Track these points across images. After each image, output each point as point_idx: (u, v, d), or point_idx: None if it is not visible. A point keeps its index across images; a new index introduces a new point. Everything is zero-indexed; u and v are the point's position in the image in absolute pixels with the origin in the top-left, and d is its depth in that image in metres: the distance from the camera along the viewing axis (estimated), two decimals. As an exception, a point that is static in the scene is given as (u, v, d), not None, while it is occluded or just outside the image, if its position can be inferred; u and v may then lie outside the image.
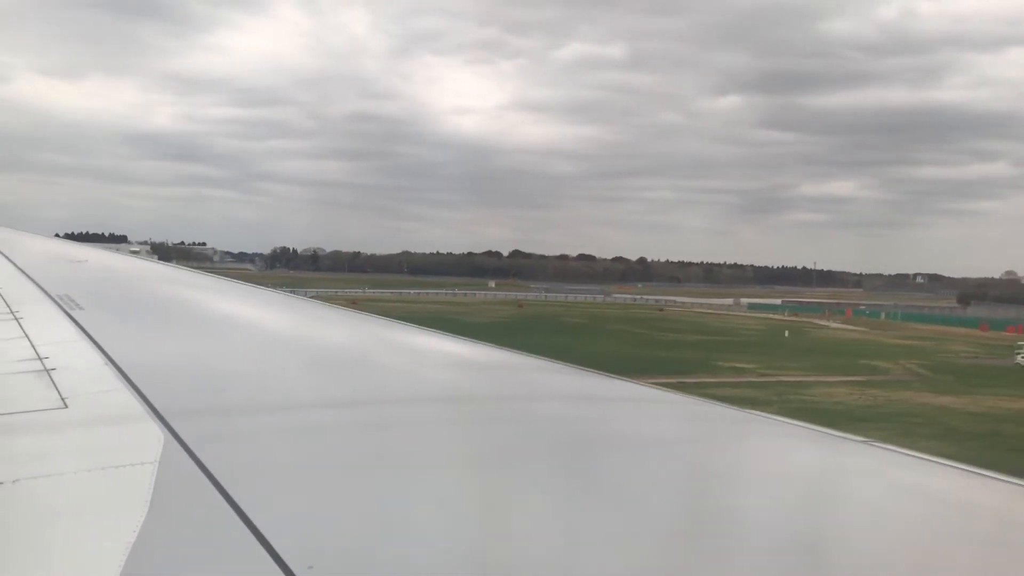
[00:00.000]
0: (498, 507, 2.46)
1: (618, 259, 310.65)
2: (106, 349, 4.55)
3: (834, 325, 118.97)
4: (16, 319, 5.86)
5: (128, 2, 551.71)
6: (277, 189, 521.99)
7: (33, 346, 4.83)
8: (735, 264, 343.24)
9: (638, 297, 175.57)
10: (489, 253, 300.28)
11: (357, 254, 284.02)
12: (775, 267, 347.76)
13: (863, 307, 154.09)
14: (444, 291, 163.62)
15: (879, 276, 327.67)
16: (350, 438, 3.20)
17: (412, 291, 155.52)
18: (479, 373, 5.23)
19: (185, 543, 2.08)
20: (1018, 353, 77.74)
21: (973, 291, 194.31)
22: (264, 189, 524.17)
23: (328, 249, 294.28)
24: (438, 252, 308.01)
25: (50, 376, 4.02)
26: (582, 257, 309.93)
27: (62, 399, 3.58)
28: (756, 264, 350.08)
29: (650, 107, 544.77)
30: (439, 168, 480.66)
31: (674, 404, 4.54)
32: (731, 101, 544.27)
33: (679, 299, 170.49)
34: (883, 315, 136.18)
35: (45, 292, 7.33)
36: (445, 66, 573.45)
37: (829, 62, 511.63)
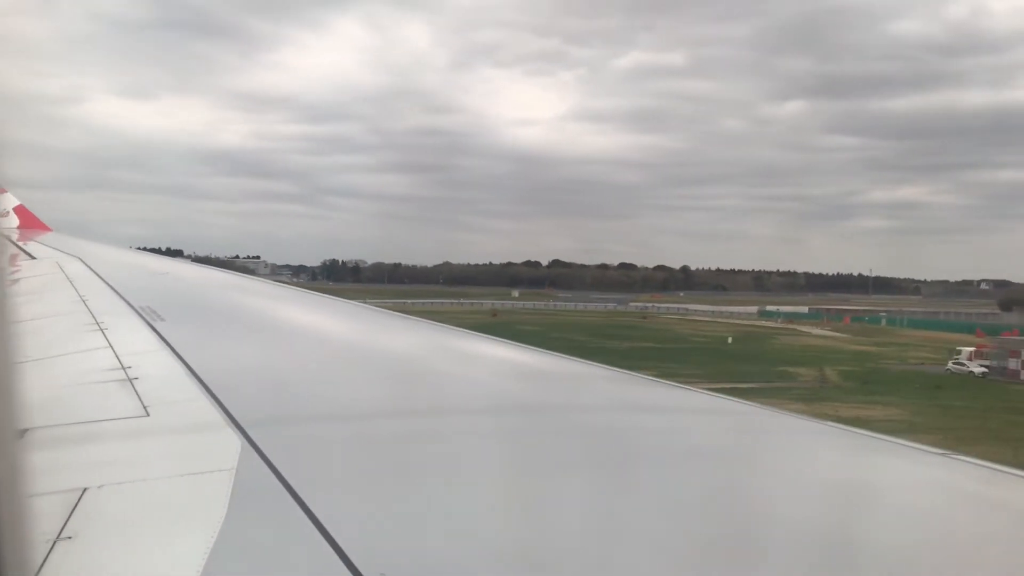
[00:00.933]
0: (567, 517, 2.50)
1: (660, 268, 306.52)
2: (186, 359, 4.75)
3: (816, 332, 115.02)
4: (101, 330, 6.15)
5: (195, 23, 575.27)
6: (342, 203, 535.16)
7: (117, 356, 5.04)
8: (788, 271, 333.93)
9: (650, 305, 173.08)
10: (528, 263, 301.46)
11: (398, 265, 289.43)
12: (831, 274, 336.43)
13: (881, 313, 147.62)
14: (451, 300, 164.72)
15: (940, 283, 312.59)
16: (422, 447, 3.27)
17: (410, 300, 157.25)
18: (548, 383, 5.32)
19: (261, 549, 2.16)
20: (953, 360, 73.97)
21: (1015, 296, 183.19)
22: (329, 203, 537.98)
23: (371, 261, 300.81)
24: (490, 263, 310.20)
25: (133, 385, 4.20)
26: (623, 266, 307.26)
27: (144, 407, 3.74)
28: (812, 271, 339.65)
29: (713, 114, 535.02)
30: (501, 180, 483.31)
31: (749, 415, 4.52)
32: (795, 106, 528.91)
33: (697, 307, 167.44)
34: (883, 321, 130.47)
35: (128, 304, 7.66)
36: (505, 78, 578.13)
37: (897, 64, 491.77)
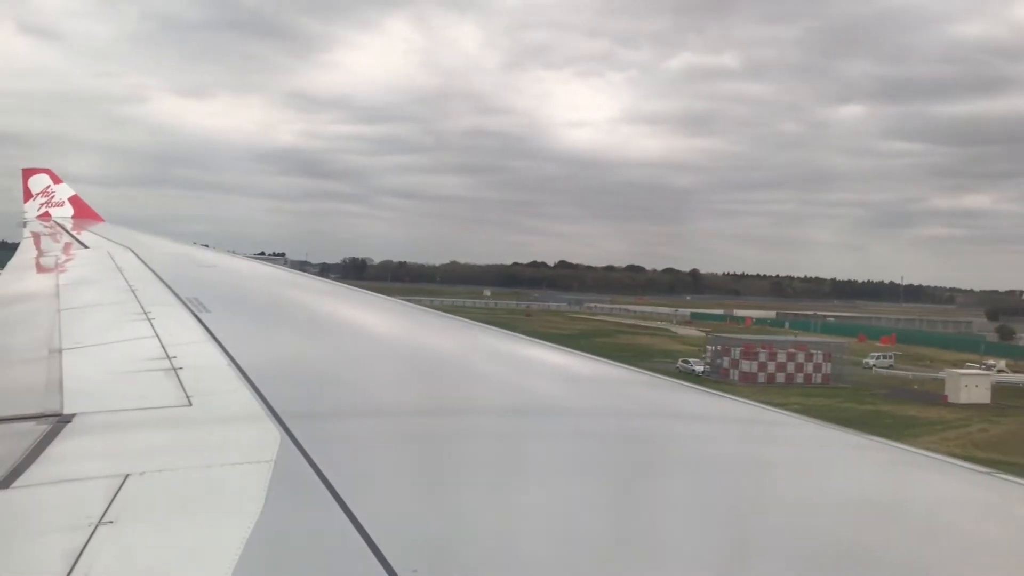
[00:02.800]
0: (604, 519, 2.52)
1: (668, 271, 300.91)
2: (230, 351, 4.78)
3: (683, 332, 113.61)
4: (148, 319, 6.21)
5: (250, 23, 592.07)
6: (393, 203, 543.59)
7: (163, 346, 5.10)
8: (814, 278, 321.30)
9: (596, 306, 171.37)
10: (533, 264, 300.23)
11: (403, 264, 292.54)
12: (861, 281, 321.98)
13: (830, 318, 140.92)
14: (406, 298, 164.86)
15: (987, 293, 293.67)
16: (460, 446, 3.29)
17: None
18: (591, 386, 5.38)
19: (296, 541, 2.19)
20: (683, 359, 72.38)
21: (1000, 306, 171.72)
22: (380, 203, 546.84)
23: (379, 259, 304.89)
24: (496, 264, 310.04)
25: (177, 375, 4.25)
26: (630, 268, 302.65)
27: (187, 397, 3.81)
28: (855, 279, 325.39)
29: (767, 117, 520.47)
30: (552, 182, 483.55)
31: (790, 426, 4.48)
32: (853, 110, 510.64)
33: (642, 308, 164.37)
34: (787, 324, 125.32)
35: (175, 294, 7.68)
36: (556, 80, 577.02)
37: (960, 68, 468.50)
